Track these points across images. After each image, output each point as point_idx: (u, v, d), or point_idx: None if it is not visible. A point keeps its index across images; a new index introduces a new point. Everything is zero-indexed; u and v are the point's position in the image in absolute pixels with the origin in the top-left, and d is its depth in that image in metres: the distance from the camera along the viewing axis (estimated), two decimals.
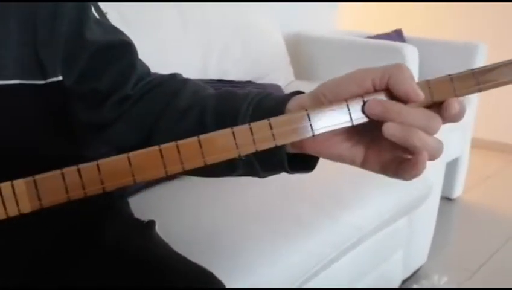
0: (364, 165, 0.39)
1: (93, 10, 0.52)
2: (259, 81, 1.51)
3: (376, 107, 0.35)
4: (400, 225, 1.16)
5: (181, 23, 1.33)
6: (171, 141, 0.47)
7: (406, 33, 2.08)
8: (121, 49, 0.52)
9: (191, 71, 1.38)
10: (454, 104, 0.35)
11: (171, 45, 1.28)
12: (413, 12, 2.60)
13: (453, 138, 1.71)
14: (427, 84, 0.36)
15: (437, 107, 0.36)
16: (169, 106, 0.49)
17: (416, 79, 1.21)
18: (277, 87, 1.50)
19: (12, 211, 0.33)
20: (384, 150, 0.37)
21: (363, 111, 0.36)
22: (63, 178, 0.33)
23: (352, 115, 0.36)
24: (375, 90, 0.36)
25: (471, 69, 0.37)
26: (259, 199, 0.88)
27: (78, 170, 0.33)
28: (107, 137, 0.53)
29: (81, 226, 0.58)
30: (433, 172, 1.21)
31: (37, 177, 0.33)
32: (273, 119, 0.35)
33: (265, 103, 0.43)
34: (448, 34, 2.32)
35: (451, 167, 1.86)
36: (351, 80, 0.37)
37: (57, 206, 0.34)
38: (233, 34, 1.44)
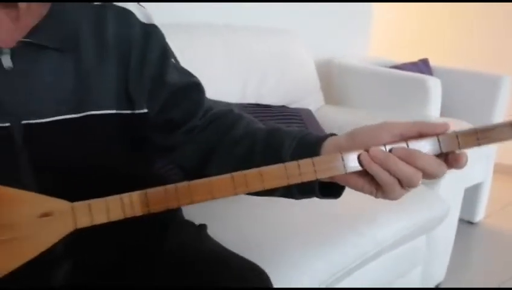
0: (374, 194, 0.49)
1: (172, 58, 0.67)
2: (292, 106, 1.65)
3: (367, 159, 0.47)
4: (419, 244, 1.26)
5: (224, 51, 1.48)
6: (226, 164, 0.61)
7: (432, 62, 2.17)
8: (192, 89, 0.67)
9: (232, 95, 1.53)
10: (463, 159, 0.47)
11: (215, 71, 1.43)
12: (441, 41, 2.69)
13: (476, 165, 1.79)
14: (437, 139, 0.47)
15: (442, 157, 0.47)
16: (227, 135, 0.62)
17: (438, 110, 1.40)
18: (308, 112, 1.63)
19: (130, 213, 0.46)
20: None
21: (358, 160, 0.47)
22: (165, 192, 0.46)
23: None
24: (402, 139, 0.47)
25: (475, 128, 0.47)
26: (294, 215, 1.00)
27: (176, 188, 0.46)
28: (174, 157, 0.66)
29: (149, 229, 0.68)
30: (451, 196, 1.31)
31: (148, 190, 0.46)
32: (315, 159, 0.47)
33: (307, 139, 0.55)
34: (475, 64, 2.37)
35: (474, 192, 1.93)
36: (382, 129, 0.48)
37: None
38: (271, 62, 1.59)
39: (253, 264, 0.65)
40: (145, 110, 0.64)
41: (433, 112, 1.59)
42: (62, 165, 0.58)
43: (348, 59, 2.02)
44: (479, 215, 2.03)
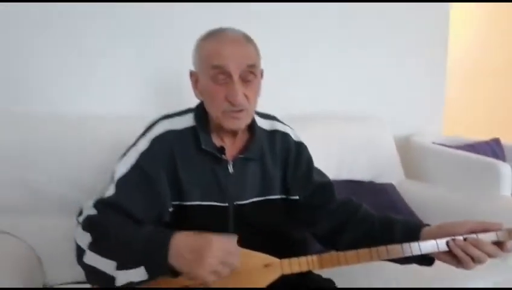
0: (456, 266, 0.82)
1: (314, 163, 1.05)
2: (377, 179, 1.94)
3: (453, 244, 0.80)
4: None
5: (322, 137, 1.85)
6: (351, 239, 0.96)
7: (503, 141, 2.33)
8: (328, 186, 1.04)
9: (329, 173, 1.86)
10: (511, 245, 0.80)
11: (315, 154, 1.76)
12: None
13: None
14: (495, 233, 0.79)
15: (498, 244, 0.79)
16: (353, 217, 0.97)
17: (510, 191, 1.78)
18: (391, 186, 1.92)
19: (311, 268, 0.78)
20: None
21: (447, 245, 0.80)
22: (331, 256, 0.80)
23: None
24: (473, 232, 0.80)
25: None
26: (398, 271, 1.28)
27: (338, 255, 0.79)
28: (313, 229, 1.02)
29: (297, 279, 0.92)
30: None
31: (322, 255, 0.80)
32: (421, 242, 0.79)
33: (411, 226, 0.88)
34: None
35: None
36: (460, 225, 0.81)
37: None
38: (359, 145, 1.91)
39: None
40: (297, 197, 1.03)
41: (505, 192, 1.78)
42: (253, 230, 0.96)
43: (423, 137, 2.24)
44: None
